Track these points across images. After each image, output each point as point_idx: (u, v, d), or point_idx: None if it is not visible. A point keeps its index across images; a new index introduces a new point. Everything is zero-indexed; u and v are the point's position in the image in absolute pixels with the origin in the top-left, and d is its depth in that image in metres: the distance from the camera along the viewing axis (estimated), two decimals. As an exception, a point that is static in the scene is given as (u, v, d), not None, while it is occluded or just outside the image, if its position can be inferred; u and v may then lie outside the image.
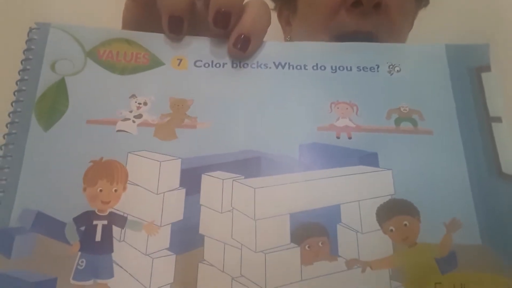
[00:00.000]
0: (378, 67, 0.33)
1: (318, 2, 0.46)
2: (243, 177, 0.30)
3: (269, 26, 0.34)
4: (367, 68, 0.33)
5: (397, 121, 0.32)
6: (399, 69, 0.33)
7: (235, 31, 0.32)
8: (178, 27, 0.32)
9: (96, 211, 0.29)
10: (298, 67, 0.33)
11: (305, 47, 0.34)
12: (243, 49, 0.32)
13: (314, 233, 0.29)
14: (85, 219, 0.28)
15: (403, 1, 0.47)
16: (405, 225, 0.29)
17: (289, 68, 0.33)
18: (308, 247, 0.29)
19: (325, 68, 0.33)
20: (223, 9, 0.32)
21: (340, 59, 0.34)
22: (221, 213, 0.29)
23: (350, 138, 0.31)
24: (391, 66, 0.33)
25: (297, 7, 0.50)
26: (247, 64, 0.33)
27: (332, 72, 0.33)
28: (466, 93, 0.33)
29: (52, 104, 0.31)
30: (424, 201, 0.29)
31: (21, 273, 0.27)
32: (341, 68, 0.33)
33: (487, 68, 0.33)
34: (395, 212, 0.29)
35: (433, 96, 0.33)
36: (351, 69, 0.33)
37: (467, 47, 0.34)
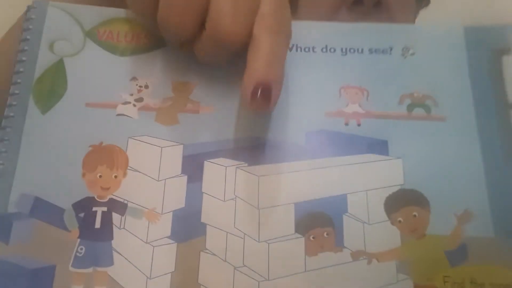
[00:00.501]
0: (391, 49, 0.32)
1: (319, 1, 0.45)
2: (246, 164, 0.29)
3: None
4: (379, 51, 0.32)
5: (410, 107, 0.30)
6: (413, 52, 0.31)
7: (247, 78, 0.26)
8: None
9: (95, 197, 0.28)
10: (306, 50, 0.31)
11: (314, 27, 0.32)
12: (266, 100, 0.26)
13: (319, 223, 0.28)
14: (85, 205, 0.27)
15: (404, 0, 0.47)
16: (414, 216, 0.28)
17: (296, 50, 0.31)
18: (313, 237, 0.28)
19: (334, 50, 0.32)
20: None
21: (351, 40, 0.32)
22: (224, 201, 0.28)
23: (359, 125, 0.30)
24: (405, 49, 0.32)
25: (297, 7, 0.48)
26: None
27: (342, 54, 0.31)
28: (483, 77, 0.31)
29: (50, 86, 0.29)
30: (435, 191, 0.28)
31: (19, 260, 0.26)
32: (351, 51, 0.32)
33: (508, 51, 0.31)
34: (404, 203, 0.28)
35: (448, 81, 0.31)
36: (362, 52, 0.32)
37: (487, 28, 0.32)
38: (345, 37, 0.32)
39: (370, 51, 0.32)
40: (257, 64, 0.26)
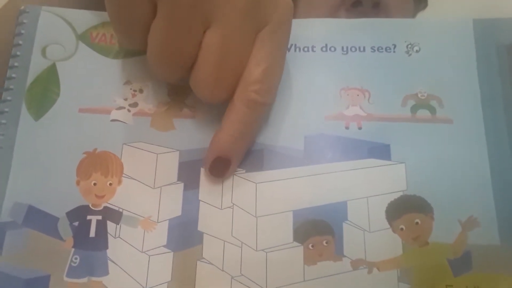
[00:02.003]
0: (394, 46, 0.30)
1: (317, 3, 0.45)
2: (244, 171, 0.27)
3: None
4: (382, 48, 0.30)
5: (414, 109, 0.28)
6: (418, 49, 0.30)
7: (211, 148, 0.26)
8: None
9: (90, 205, 0.26)
10: (306, 49, 0.30)
11: (313, 24, 0.30)
12: (219, 175, 0.27)
13: (318, 231, 0.26)
14: (79, 214, 0.26)
15: (402, 2, 0.46)
16: (417, 223, 0.27)
17: (295, 50, 0.30)
18: (312, 246, 0.26)
19: (335, 49, 0.30)
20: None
21: (352, 38, 0.30)
22: (221, 209, 0.27)
23: (360, 128, 0.28)
24: (409, 46, 0.30)
25: (296, 8, 0.48)
26: None
27: (343, 53, 0.30)
28: (493, 75, 0.29)
29: (43, 92, 0.28)
30: (439, 197, 0.26)
31: (12, 269, 0.25)
32: (353, 49, 0.30)
33: None
34: (406, 210, 0.27)
35: (455, 79, 0.29)
36: (364, 50, 0.30)
37: (497, 21, 0.30)
38: (346, 34, 0.30)
39: (373, 49, 0.30)
40: (225, 138, 0.26)
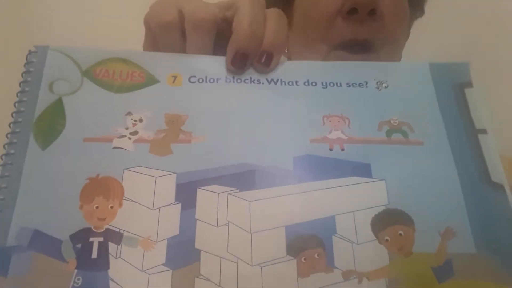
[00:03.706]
0: (366, 83, 0.32)
1: (314, 12, 0.45)
2: (238, 190, 0.28)
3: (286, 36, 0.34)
4: (356, 84, 0.32)
5: (388, 133, 0.30)
6: (386, 85, 0.32)
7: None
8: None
9: (92, 228, 0.27)
10: (290, 83, 0.32)
11: (296, 66, 0.33)
12: (266, 64, 0.32)
13: (310, 245, 0.27)
14: (82, 236, 0.27)
15: (398, 9, 0.47)
16: (400, 234, 0.28)
17: (281, 84, 0.32)
18: (304, 259, 0.27)
19: (316, 84, 0.32)
20: (241, 51, 0.31)
21: (330, 76, 0.32)
22: (217, 227, 0.27)
23: (343, 150, 0.30)
24: (378, 83, 0.32)
25: (292, 19, 0.49)
26: (240, 80, 0.32)
27: (323, 88, 0.32)
28: (451, 107, 0.31)
29: (49, 124, 0.29)
30: (418, 210, 0.28)
31: (17, 292, 0.26)
32: (331, 84, 0.32)
33: (469, 84, 0.32)
34: (389, 222, 0.28)
35: (420, 110, 0.31)
36: (341, 85, 0.32)
37: (449, 65, 0.33)
38: (325, 73, 0.33)
39: (348, 84, 0.32)
40: (266, 37, 0.32)
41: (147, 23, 0.34)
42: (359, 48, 0.43)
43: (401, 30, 0.48)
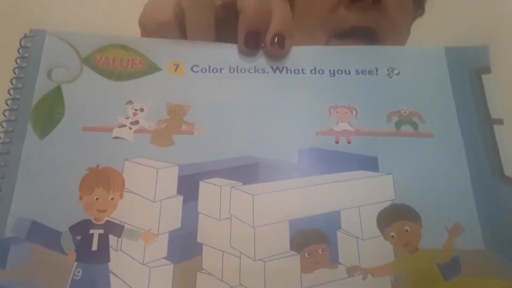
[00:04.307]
0: (377, 70, 0.31)
1: (316, 1, 0.44)
2: (241, 183, 0.27)
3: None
4: (365, 72, 0.31)
5: (398, 124, 0.29)
6: (398, 72, 0.31)
7: (269, 32, 0.31)
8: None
9: (92, 219, 0.26)
10: (296, 72, 0.31)
11: (302, 51, 0.31)
12: (281, 46, 0.31)
13: (314, 240, 0.26)
14: (81, 228, 0.26)
15: (403, 0, 0.45)
16: (406, 230, 0.27)
17: (286, 72, 0.31)
18: (308, 254, 0.26)
19: (323, 72, 0.31)
20: (252, 30, 0.30)
21: (338, 62, 0.31)
22: (219, 220, 0.27)
23: (349, 142, 0.29)
24: (390, 69, 0.31)
25: (294, 8, 0.47)
26: (245, 69, 0.30)
27: (330, 76, 0.31)
28: (466, 95, 0.30)
29: (48, 112, 0.28)
30: (426, 205, 0.27)
31: (16, 284, 0.25)
32: (339, 72, 0.31)
33: (487, 70, 0.30)
34: (396, 218, 0.27)
35: (433, 98, 0.30)
36: (349, 73, 0.31)
37: (466, 49, 0.31)
38: (332, 59, 0.31)
39: (357, 72, 0.31)
40: (275, 20, 0.31)
41: (142, 25, 0.32)
42: (362, 35, 0.42)
43: (404, 23, 0.47)
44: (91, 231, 0.26)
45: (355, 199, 0.27)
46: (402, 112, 0.30)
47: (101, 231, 0.26)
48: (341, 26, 0.42)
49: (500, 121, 0.29)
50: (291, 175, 0.28)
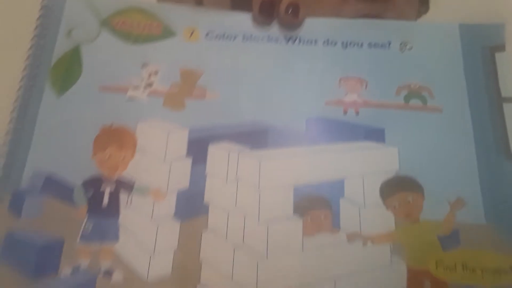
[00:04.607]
0: (389, 44, 0.31)
1: None
2: (249, 148, 0.28)
3: None
4: (378, 45, 0.31)
5: (407, 98, 0.29)
6: (410, 47, 0.31)
7: (284, 0, 0.31)
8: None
9: (104, 176, 0.27)
10: (309, 42, 0.31)
11: (316, 22, 0.32)
12: (295, 15, 0.31)
13: (317, 205, 0.27)
14: (93, 184, 0.27)
15: None
16: (409, 201, 0.27)
17: (299, 42, 0.31)
18: (311, 219, 0.27)
19: (335, 44, 0.31)
20: None
21: (351, 35, 0.31)
22: (226, 183, 0.27)
23: (357, 113, 0.29)
24: (402, 44, 0.31)
25: None
26: (258, 38, 0.31)
27: (342, 48, 0.31)
28: (477, 72, 0.30)
29: (66, 71, 0.29)
30: (429, 178, 0.27)
31: (29, 233, 0.26)
32: (352, 44, 0.31)
33: (502, 48, 0.30)
34: (399, 188, 0.27)
35: (444, 74, 0.30)
36: (362, 46, 0.31)
37: (481, 26, 0.31)
38: (345, 31, 0.31)
39: (370, 45, 0.31)
40: None
41: None
42: None
43: (410, 15, 0.47)
44: (102, 187, 0.27)
45: (359, 168, 0.28)
46: (412, 86, 0.30)
47: (112, 187, 0.27)
48: (352, 15, 0.43)
49: (510, 100, 0.29)
50: (298, 143, 0.28)
